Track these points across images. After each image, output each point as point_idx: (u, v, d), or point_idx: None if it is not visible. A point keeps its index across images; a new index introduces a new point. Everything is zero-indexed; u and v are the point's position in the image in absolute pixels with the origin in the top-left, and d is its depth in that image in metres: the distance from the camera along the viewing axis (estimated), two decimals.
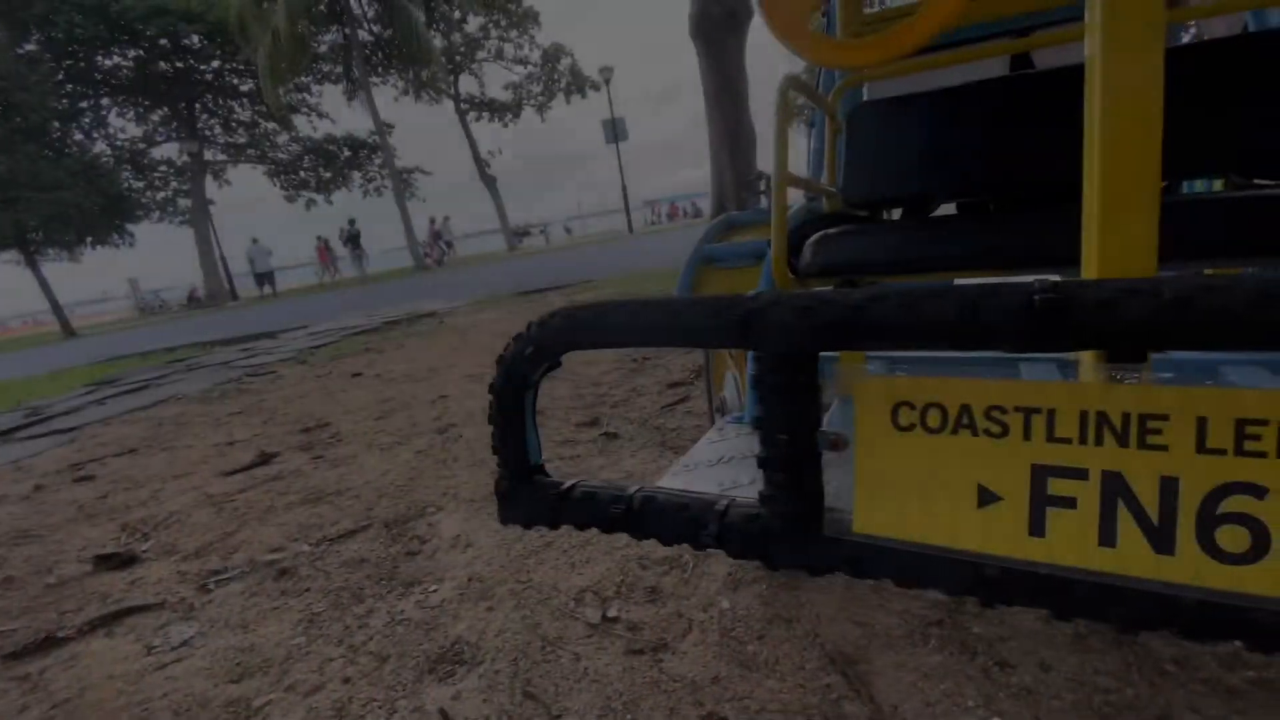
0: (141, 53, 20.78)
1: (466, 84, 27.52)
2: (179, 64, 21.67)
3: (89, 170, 19.36)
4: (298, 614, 1.60)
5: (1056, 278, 0.58)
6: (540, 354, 0.89)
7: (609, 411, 2.92)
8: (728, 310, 0.73)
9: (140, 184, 23.21)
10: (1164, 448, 0.58)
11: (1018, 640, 1.21)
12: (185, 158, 22.08)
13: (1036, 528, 0.63)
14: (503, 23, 26.01)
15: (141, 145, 22.96)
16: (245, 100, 23.45)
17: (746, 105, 6.16)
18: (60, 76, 19.88)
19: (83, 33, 18.61)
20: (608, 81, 21.87)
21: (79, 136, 21.29)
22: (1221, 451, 0.56)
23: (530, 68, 27.58)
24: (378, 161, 24.96)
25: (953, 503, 0.68)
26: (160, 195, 23.75)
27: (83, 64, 20.17)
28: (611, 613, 1.43)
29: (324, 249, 23.45)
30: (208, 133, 23.87)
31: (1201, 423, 0.56)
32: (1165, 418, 0.57)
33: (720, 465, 1.17)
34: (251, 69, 19.19)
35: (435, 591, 1.61)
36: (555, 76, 27.65)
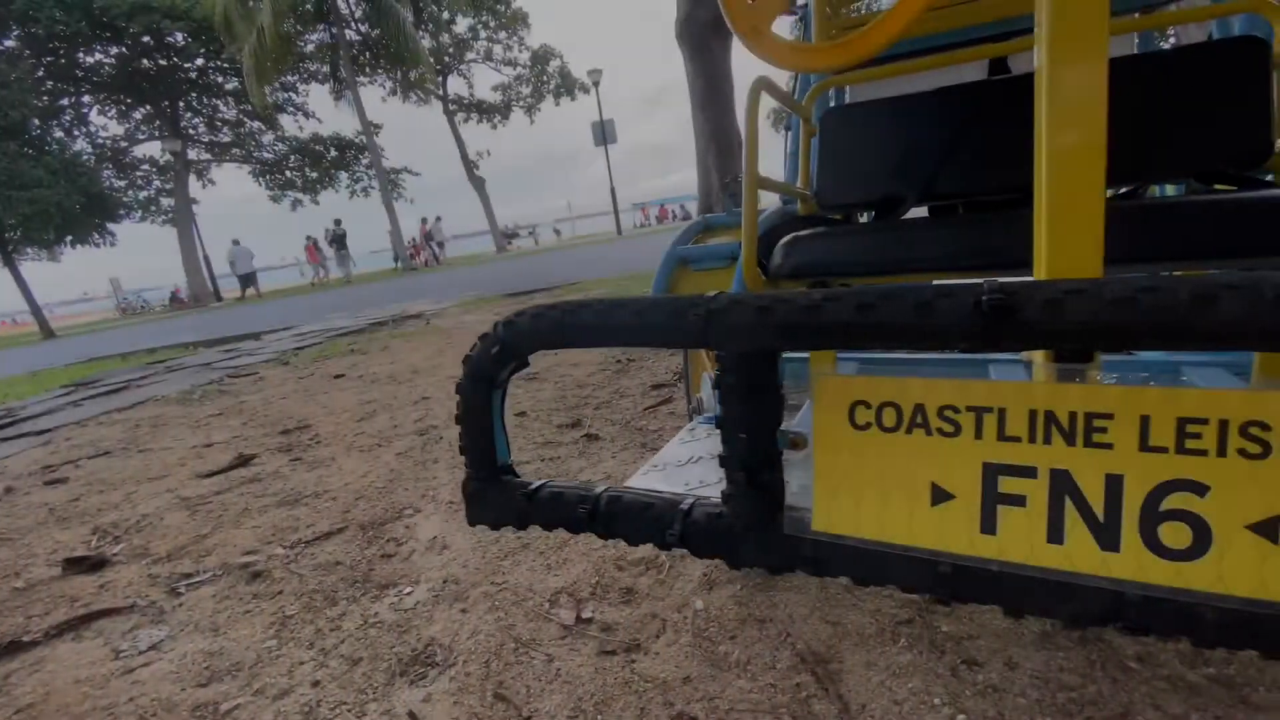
0: (124, 50, 20.52)
1: (455, 85, 27.42)
2: (162, 61, 21.41)
3: (69, 168, 19.06)
4: (269, 617, 1.58)
5: (1012, 279, 0.59)
6: (506, 354, 0.89)
7: (592, 413, 2.92)
8: (689, 310, 0.73)
9: (122, 183, 22.90)
10: (1109, 446, 0.59)
11: (986, 639, 1.23)
12: (168, 156, 21.80)
13: (988, 525, 0.64)
14: (491, 24, 25.95)
15: (123, 143, 22.65)
16: (230, 99, 23.22)
17: (733, 108, 6.20)
18: (41, 73, 19.58)
19: (64, 29, 18.34)
20: (596, 84, 21.89)
21: (59, 134, 20.98)
22: (1163, 449, 0.57)
23: (519, 69, 27.55)
24: (365, 162, 24.79)
25: (908, 501, 0.68)
26: (143, 194, 23.44)
27: (64, 61, 19.87)
28: (586, 614, 1.43)
29: (313, 249, 23.25)
30: (191, 131, 23.60)
31: (1144, 421, 0.57)
32: (1110, 416, 0.58)
33: (689, 465, 1.17)
34: (237, 67, 19.00)
35: (410, 594, 1.60)
36: (544, 78, 27.63)
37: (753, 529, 0.79)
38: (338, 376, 4.55)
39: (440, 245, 25.79)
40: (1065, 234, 0.65)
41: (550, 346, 0.87)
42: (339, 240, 21.36)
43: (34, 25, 17.99)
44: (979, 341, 0.59)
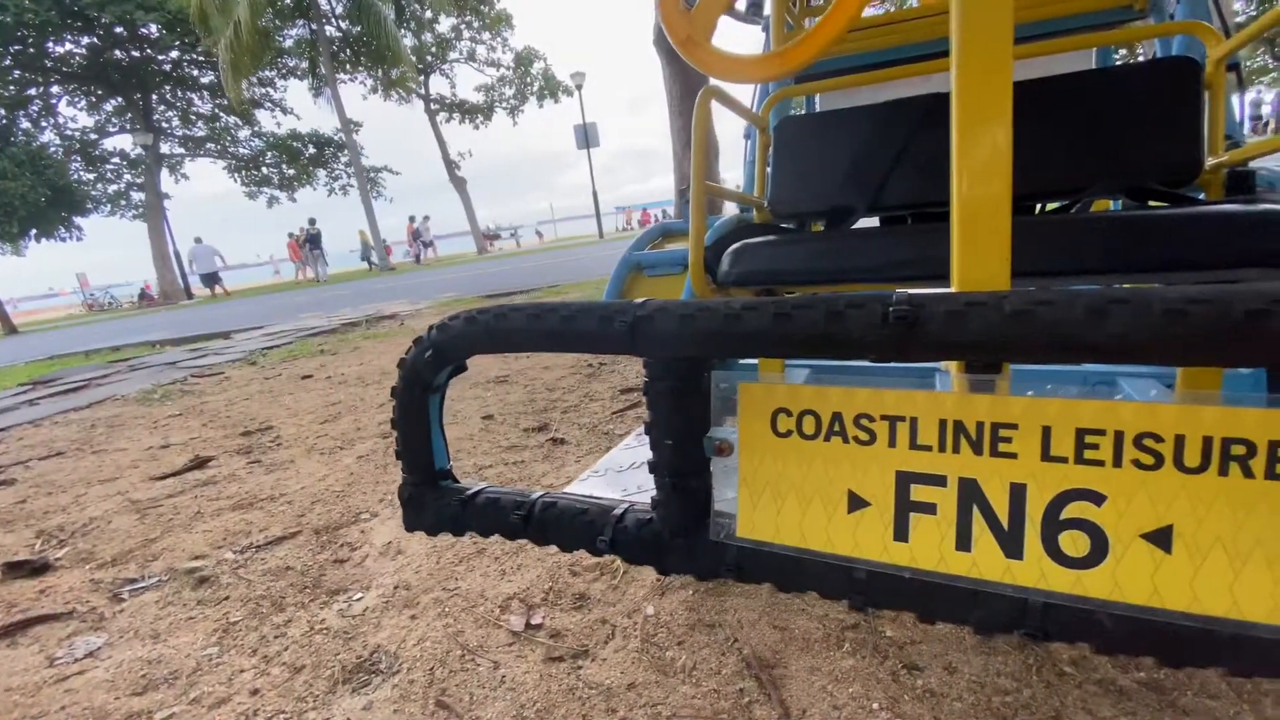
0: (95, 40, 20.05)
1: (438, 84, 27.24)
2: (135, 53, 20.96)
3: (35, 160, 18.56)
4: (213, 624, 1.54)
5: (920, 291, 0.60)
6: (440, 358, 0.88)
7: (559, 417, 2.90)
8: (617, 317, 0.73)
9: (91, 176, 22.35)
10: (1013, 456, 0.60)
11: (928, 644, 1.24)
12: (139, 150, 21.32)
13: (901, 533, 0.65)
14: (475, 24, 25.83)
15: (93, 136, 22.10)
16: (205, 92, 22.79)
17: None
18: (8, 62, 19.04)
19: (33, 17, 17.86)
20: (580, 87, 21.89)
21: (26, 125, 20.40)
22: (1064, 460, 0.58)
23: (503, 71, 27.45)
24: (344, 160, 24.49)
25: (826, 508, 0.69)
26: (112, 188, 22.89)
27: (32, 50, 19.34)
28: (536, 620, 1.41)
29: (295, 245, 22.86)
30: (164, 125, 23.11)
31: (1046, 432, 0.58)
32: (1015, 427, 0.60)
33: (630, 470, 1.18)
34: (213, 61, 18.64)
35: (359, 600, 1.57)
36: (528, 80, 27.56)
37: (680, 535, 0.79)
38: (305, 377, 4.48)
39: (428, 245, 25.56)
40: (974, 248, 0.66)
41: (483, 351, 0.86)
42: (313, 240, 21.05)
43: (1, 13, 17.49)
44: (887, 351, 0.60)
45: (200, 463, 2.73)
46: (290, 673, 1.33)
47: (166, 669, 1.40)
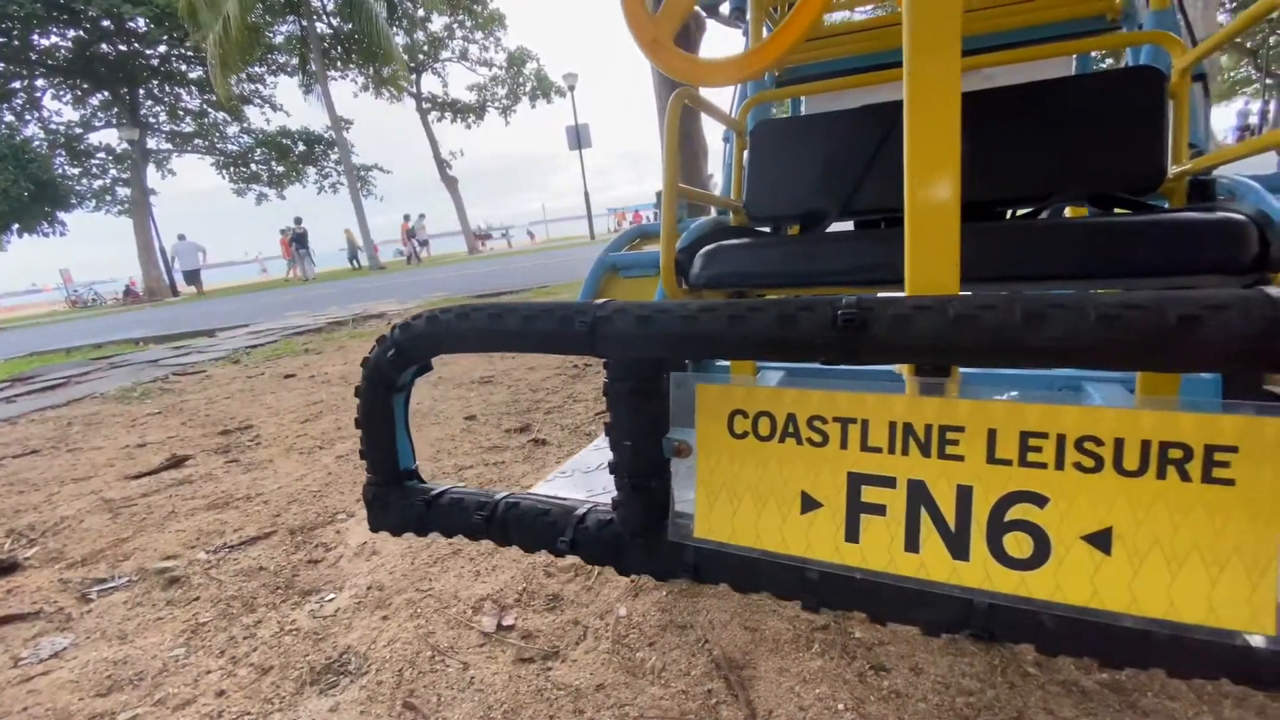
0: (82, 33, 19.80)
1: (429, 83, 27.13)
2: (123, 47, 20.72)
3: (18, 154, 18.30)
4: (181, 624, 1.52)
5: (869, 295, 0.61)
6: (403, 357, 0.88)
7: (542, 418, 2.90)
8: (577, 318, 0.73)
9: (76, 171, 22.07)
10: (960, 458, 0.60)
11: (896, 644, 1.25)
12: (125, 145, 21.07)
13: (852, 534, 0.66)
14: (468, 24, 25.76)
15: (78, 130, 21.82)
16: (194, 88, 22.56)
17: (698, 116, 6.25)
18: None
19: (18, 9, 17.62)
20: (572, 88, 21.88)
21: (10, 118, 20.12)
22: (1008, 462, 0.59)
23: (495, 70, 27.39)
24: (334, 158, 24.32)
25: (781, 509, 0.69)
26: (97, 183, 22.61)
27: (17, 42, 19.08)
28: (508, 621, 1.41)
29: (287, 243, 22.64)
30: (151, 120, 22.86)
31: (992, 434, 0.59)
32: (961, 430, 0.60)
33: (596, 471, 1.18)
34: (201, 56, 18.46)
35: (332, 601, 1.56)
36: (520, 80, 27.51)
37: (639, 536, 0.79)
38: (288, 376, 4.44)
39: (423, 243, 25.44)
40: (925, 253, 0.67)
41: (446, 351, 0.86)
42: (299, 239, 20.90)
43: None
44: (838, 354, 0.60)
45: (177, 462, 2.70)
46: (258, 674, 1.32)
47: (132, 670, 1.38)
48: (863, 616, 1.39)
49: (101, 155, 22.54)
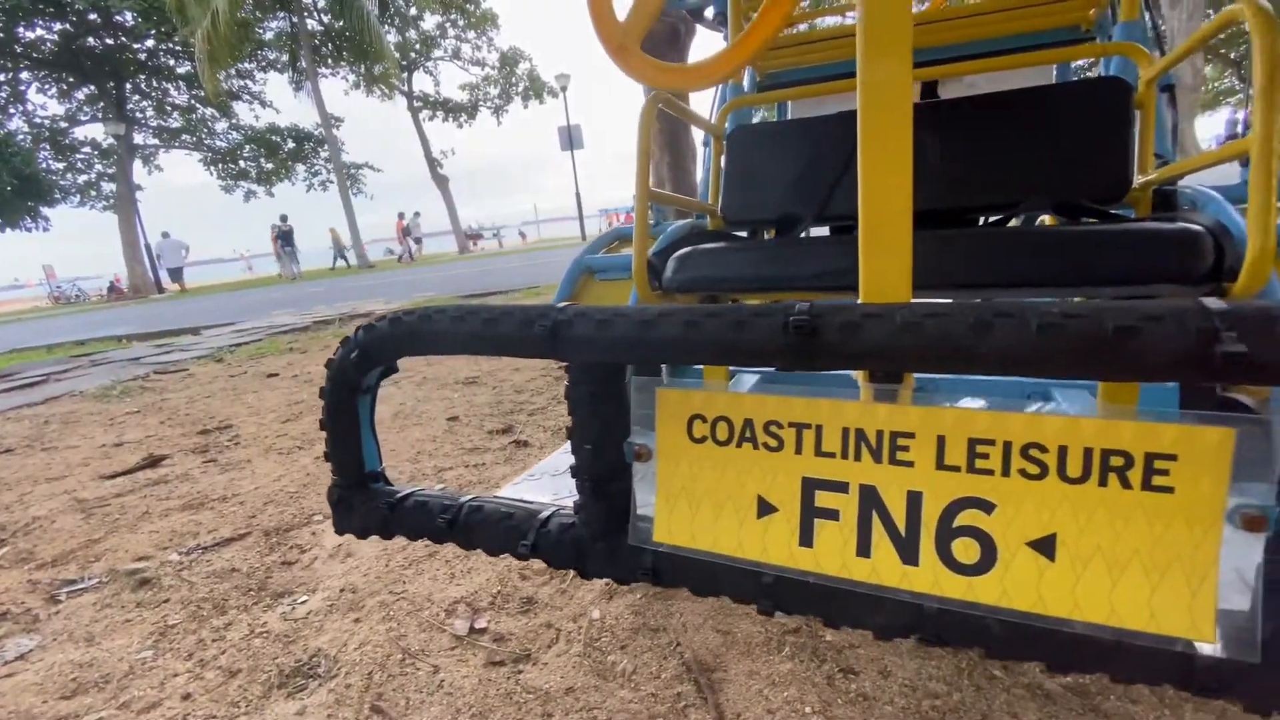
0: (68, 26, 19.54)
1: (421, 82, 27.00)
2: (109, 41, 20.46)
3: (2, 148, 18.03)
4: (150, 626, 1.51)
5: (821, 301, 0.61)
6: (366, 359, 0.88)
7: (525, 419, 2.89)
8: (537, 321, 0.73)
9: (60, 165, 21.77)
10: (910, 464, 0.61)
11: (866, 648, 1.26)
12: (111, 140, 20.81)
13: (806, 538, 0.66)
14: (460, 23, 25.67)
15: (63, 124, 21.53)
16: (182, 83, 22.32)
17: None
18: None
19: (3, 1, 17.37)
20: (564, 89, 21.87)
21: None
22: (957, 469, 0.59)
23: (488, 70, 27.31)
24: (324, 155, 24.15)
25: (738, 513, 0.70)
26: (82, 178, 22.31)
27: (1, 34, 18.80)
28: (480, 624, 1.41)
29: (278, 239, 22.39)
30: (138, 115, 22.58)
31: (941, 441, 0.60)
32: (912, 436, 0.61)
33: (564, 475, 1.17)
34: (190, 51, 18.26)
35: (304, 603, 1.55)
36: (513, 80, 27.45)
37: (600, 539, 0.79)
38: (271, 375, 4.40)
39: (418, 242, 25.30)
40: (878, 261, 0.67)
41: (410, 353, 0.86)
42: (285, 238, 20.74)
43: None
44: (791, 360, 0.61)
45: (153, 461, 2.67)
46: (225, 677, 1.31)
47: (98, 672, 1.37)
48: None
49: (87, 150, 22.25)
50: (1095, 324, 0.50)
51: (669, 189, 6.05)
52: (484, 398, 3.31)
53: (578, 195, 21.77)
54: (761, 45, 0.74)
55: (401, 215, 24.61)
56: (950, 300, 0.59)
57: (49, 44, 19.77)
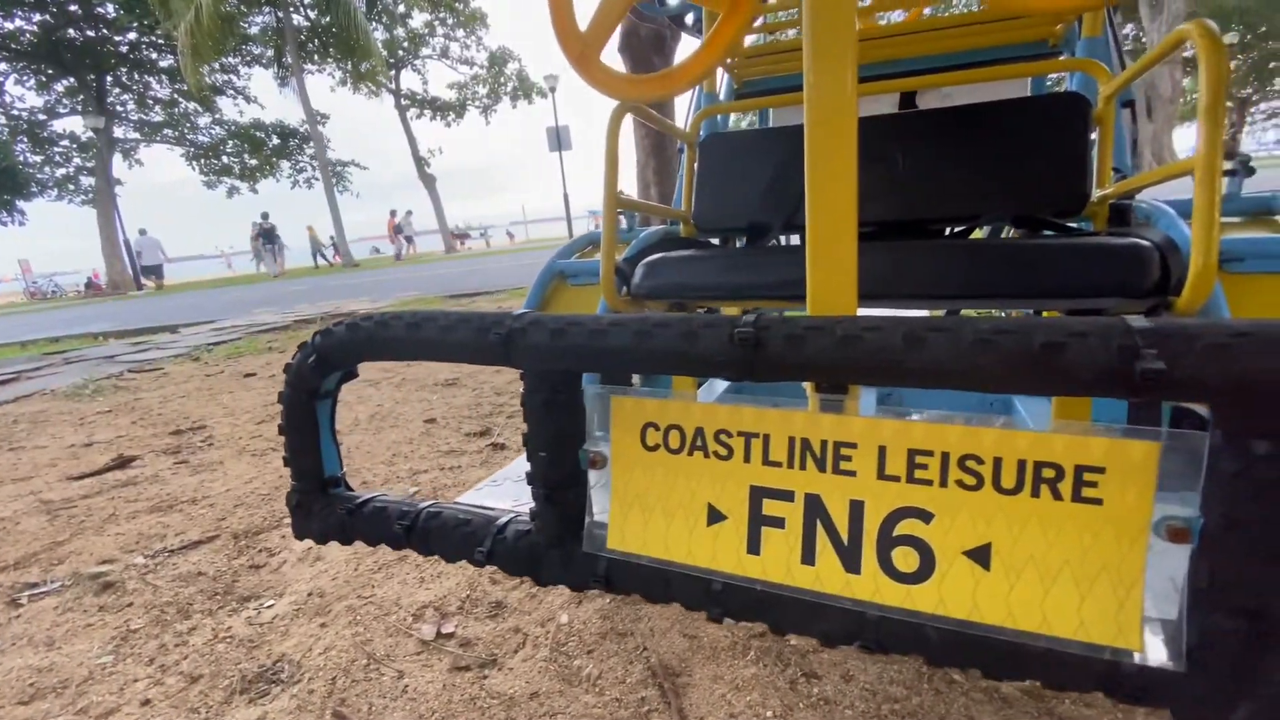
0: (48, 18, 19.19)
1: (409, 80, 26.82)
2: (90, 33, 20.12)
3: None
4: (112, 631, 1.49)
5: (768, 314, 0.62)
6: (324, 364, 0.87)
7: (504, 422, 2.88)
8: (492, 329, 0.74)
9: (38, 158, 21.37)
10: (853, 473, 0.62)
11: (829, 652, 1.27)
12: (90, 133, 20.45)
13: (753, 546, 0.67)
14: (449, 21, 25.55)
15: (42, 117, 21.14)
16: (164, 76, 21.99)
17: (672, 122, 6.24)
18: None
19: None
20: (553, 89, 21.84)
21: None
22: (896, 478, 0.60)
23: (476, 69, 27.20)
24: (309, 152, 23.90)
25: (689, 521, 0.71)
26: (60, 172, 21.91)
27: None
28: (448, 629, 1.40)
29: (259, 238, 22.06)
30: (119, 108, 22.22)
31: (882, 451, 0.61)
32: (855, 446, 0.62)
33: (525, 481, 1.18)
34: (173, 44, 17.99)
35: (271, 607, 1.54)
36: (502, 80, 27.36)
37: (555, 546, 0.80)
38: (248, 375, 4.35)
39: (409, 239, 25.10)
40: (824, 274, 0.68)
41: (368, 359, 0.85)
42: (266, 235, 20.51)
43: None
44: (737, 371, 0.61)
45: (123, 462, 2.63)
46: (186, 682, 1.29)
47: (57, 677, 1.34)
48: (828, 621, 1.42)
49: (65, 143, 21.86)
50: (1024, 339, 0.52)
51: (654, 193, 6.06)
52: (463, 399, 3.30)
53: (565, 196, 21.74)
54: (719, 57, 0.74)
55: (393, 213, 24.40)
56: (881, 315, 0.60)
57: (28, 35, 19.40)
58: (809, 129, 0.65)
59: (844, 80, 0.62)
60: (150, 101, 22.73)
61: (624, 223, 1.90)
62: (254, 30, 21.26)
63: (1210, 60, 0.73)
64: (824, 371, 0.59)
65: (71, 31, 19.75)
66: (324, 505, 0.94)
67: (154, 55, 21.53)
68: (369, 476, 2.30)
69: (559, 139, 20.00)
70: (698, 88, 1.84)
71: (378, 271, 17.53)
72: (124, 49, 21.08)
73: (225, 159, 24.15)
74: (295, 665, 1.32)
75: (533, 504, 0.82)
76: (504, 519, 0.85)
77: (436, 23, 25.55)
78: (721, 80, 1.95)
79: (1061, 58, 1.68)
